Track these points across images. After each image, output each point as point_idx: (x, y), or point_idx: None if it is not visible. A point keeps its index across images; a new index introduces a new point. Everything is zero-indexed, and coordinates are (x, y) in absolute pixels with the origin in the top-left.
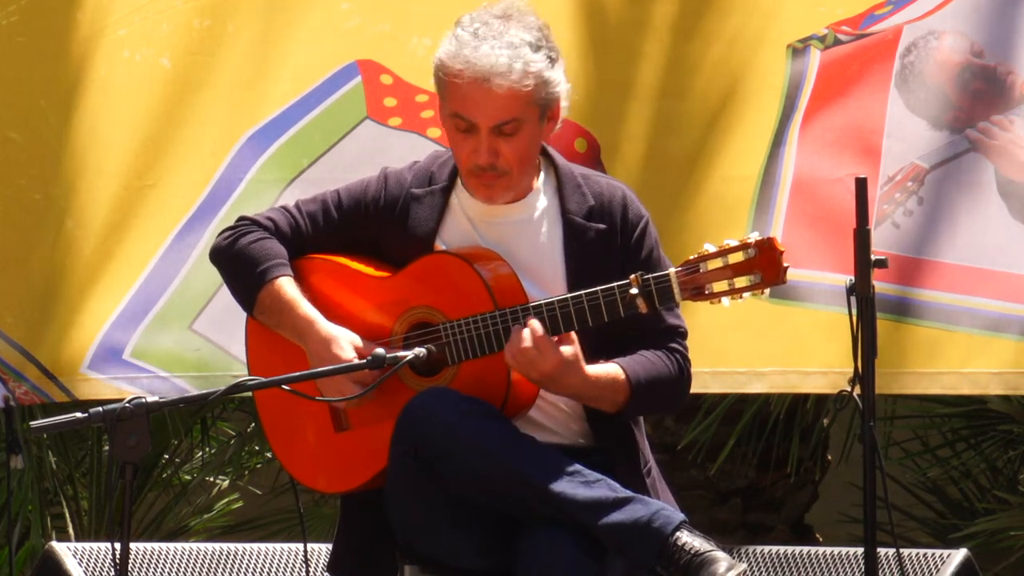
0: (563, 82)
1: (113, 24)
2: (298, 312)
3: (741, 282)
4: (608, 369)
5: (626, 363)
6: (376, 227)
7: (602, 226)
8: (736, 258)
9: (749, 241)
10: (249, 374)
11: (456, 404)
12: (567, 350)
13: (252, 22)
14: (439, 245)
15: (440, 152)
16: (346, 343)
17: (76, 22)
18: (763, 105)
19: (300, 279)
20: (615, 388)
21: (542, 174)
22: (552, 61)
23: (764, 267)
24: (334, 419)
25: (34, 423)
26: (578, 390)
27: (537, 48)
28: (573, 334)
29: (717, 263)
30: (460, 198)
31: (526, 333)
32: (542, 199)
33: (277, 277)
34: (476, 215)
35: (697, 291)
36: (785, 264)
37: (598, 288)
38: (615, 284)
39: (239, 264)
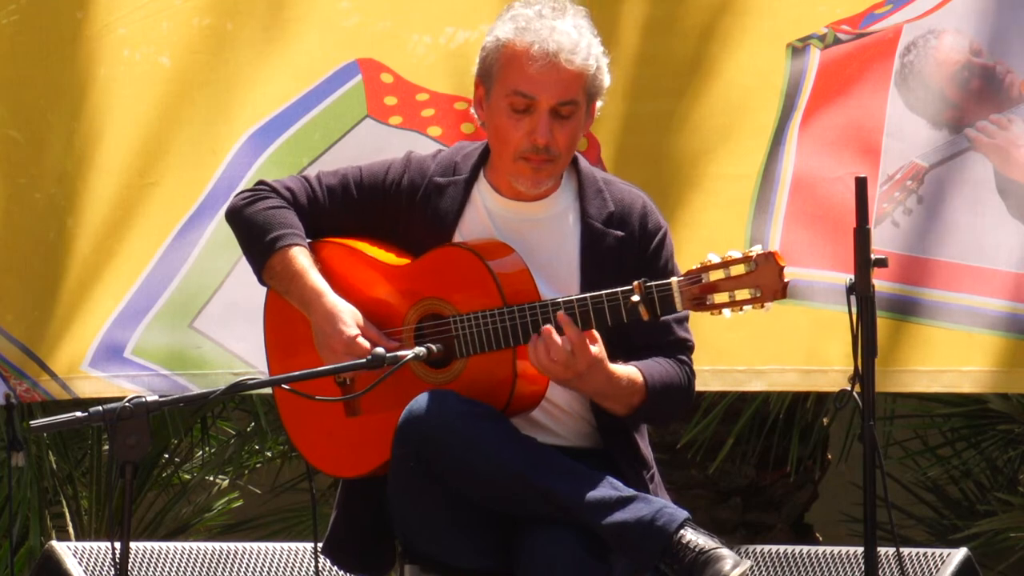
0: (608, 76)
1: (113, 23)
2: (306, 282)
3: (742, 295)
4: (628, 370)
5: (643, 366)
6: (394, 210)
7: (620, 233)
8: (738, 270)
9: (751, 254)
10: (265, 347)
11: (456, 407)
12: (594, 348)
13: (252, 20)
14: (456, 236)
15: (464, 144)
16: (349, 318)
17: (76, 21)
18: (763, 104)
19: (315, 260)
20: (632, 390)
21: (564, 175)
22: (605, 51)
23: (764, 281)
24: (346, 404)
25: (34, 422)
26: (599, 388)
27: (594, 35)
28: (596, 332)
29: (719, 274)
30: (482, 191)
31: (555, 334)
32: (563, 200)
33: (292, 246)
34: (496, 210)
35: (698, 302)
36: (786, 280)
37: (603, 292)
38: (619, 290)
39: (255, 226)
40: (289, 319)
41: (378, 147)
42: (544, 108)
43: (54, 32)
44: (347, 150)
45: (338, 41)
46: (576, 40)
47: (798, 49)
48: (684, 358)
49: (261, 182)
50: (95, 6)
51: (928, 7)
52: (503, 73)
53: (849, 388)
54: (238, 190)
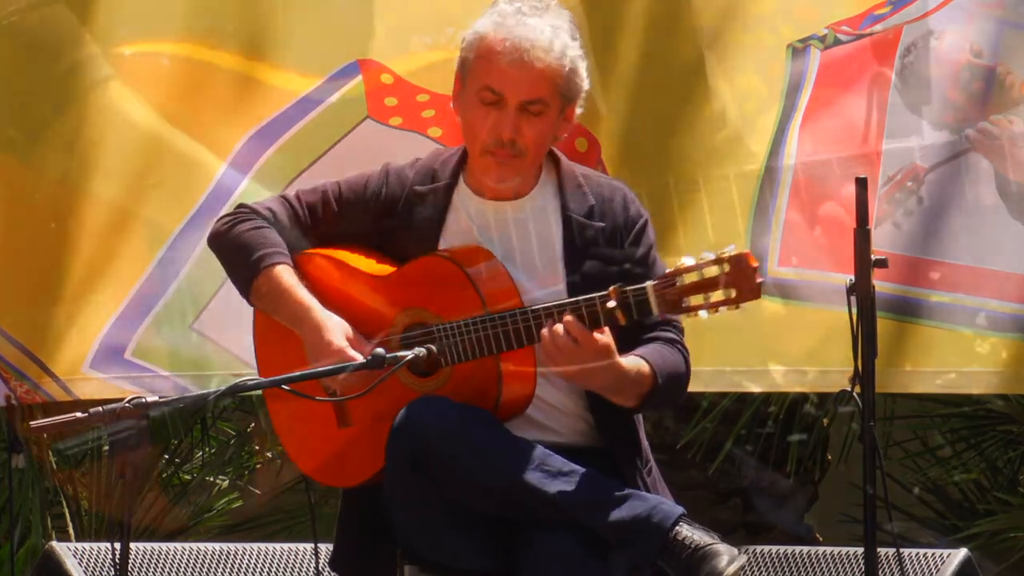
0: (586, 80)
1: (114, 23)
2: (294, 298)
3: (717, 296)
4: (636, 362)
5: (648, 355)
6: (375, 222)
7: (602, 225)
8: (711, 272)
9: (723, 255)
10: (256, 364)
11: (450, 412)
12: (603, 338)
13: (253, 20)
14: (441, 243)
15: (442, 150)
16: (339, 331)
17: (76, 22)
18: (763, 105)
19: (300, 274)
20: (641, 381)
21: (544, 172)
22: (583, 55)
23: (737, 283)
24: (338, 414)
25: (34, 423)
26: (610, 383)
27: (573, 37)
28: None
29: (693, 277)
30: (462, 195)
31: (559, 328)
32: (543, 197)
33: (276, 264)
34: (476, 213)
35: (674, 305)
36: (759, 279)
37: (580, 298)
38: (595, 295)
39: (237, 249)
40: (279, 338)
41: (379, 148)
42: (512, 104)
43: (54, 32)
44: (347, 151)
45: (339, 42)
46: (549, 39)
47: (798, 50)
48: (675, 338)
49: (241, 205)
50: (95, 6)
51: (929, 8)
52: (476, 66)
53: (849, 389)
54: (220, 214)
